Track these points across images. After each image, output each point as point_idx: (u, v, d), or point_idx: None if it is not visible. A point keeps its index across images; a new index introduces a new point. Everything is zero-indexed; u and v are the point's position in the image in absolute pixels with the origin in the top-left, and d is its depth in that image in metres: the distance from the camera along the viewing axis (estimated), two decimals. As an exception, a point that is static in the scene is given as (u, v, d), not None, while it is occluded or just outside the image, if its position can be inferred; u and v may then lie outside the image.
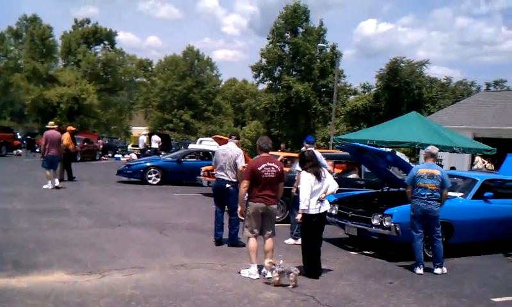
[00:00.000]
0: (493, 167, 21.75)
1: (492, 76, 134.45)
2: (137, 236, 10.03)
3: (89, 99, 51.38)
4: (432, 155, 8.57)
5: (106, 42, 65.45)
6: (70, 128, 21.34)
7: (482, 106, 30.44)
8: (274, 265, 7.11)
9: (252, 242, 7.49)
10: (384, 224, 8.93)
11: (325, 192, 7.72)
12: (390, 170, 10.88)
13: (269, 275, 7.25)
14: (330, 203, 10.15)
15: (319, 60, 55.30)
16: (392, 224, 8.78)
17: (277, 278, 7.01)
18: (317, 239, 7.85)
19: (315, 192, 7.58)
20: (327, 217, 10.16)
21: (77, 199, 14.52)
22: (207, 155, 20.38)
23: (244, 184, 7.53)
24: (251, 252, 7.44)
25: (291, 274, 7.01)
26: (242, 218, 7.75)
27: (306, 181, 7.56)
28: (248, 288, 6.88)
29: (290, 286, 6.96)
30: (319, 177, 7.62)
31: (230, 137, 9.74)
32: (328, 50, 55.33)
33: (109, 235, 9.99)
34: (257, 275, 7.34)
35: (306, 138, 10.81)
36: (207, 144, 33.71)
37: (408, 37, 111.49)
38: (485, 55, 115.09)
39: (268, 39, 55.75)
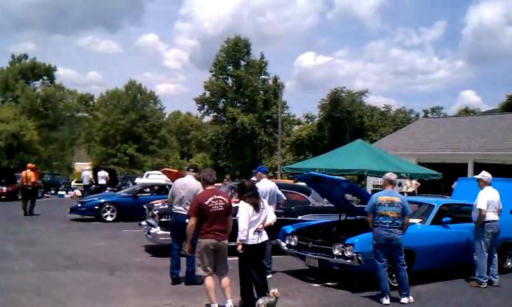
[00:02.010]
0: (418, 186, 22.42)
1: (426, 103, 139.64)
2: (86, 279, 9.41)
3: (28, 135, 49.60)
4: (390, 182, 8.45)
5: (45, 77, 63.97)
6: (31, 165, 22.30)
7: (424, 132, 31.23)
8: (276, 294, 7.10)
9: (209, 281, 7.12)
10: (346, 254, 8.71)
11: (263, 223, 7.52)
12: (346, 198, 10.74)
13: None
14: (288, 234, 10.02)
15: (262, 92, 55.78)
16: (354, 254, 8.57)
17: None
18: (260, 269, 7.62)
19: (252, 222, 7.36)
20: (286, 249, 10.03)
21: (20, 240, 13.69)
22: (164, 189, 19.88)
23: (192, 221, 7.18)
24: (209, 292, 7.07)
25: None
26: (189, 254, 7.48)
27: (244, 211, 7.33)
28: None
29: None
30: (257, 208, 7.43)
31: (188, 170, 9.37)
32: (270, 81, 55.83)
33: (56, 278, 9.34)
34: None
35: (259, 168, 10.58)
36: (154, 177, 33.01)
37: (345, 68, 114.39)
38: (419, 84, 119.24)
39: (211, 72, 55.97)
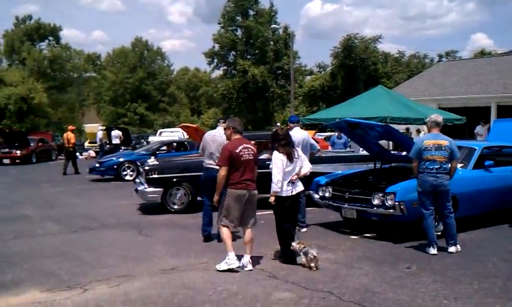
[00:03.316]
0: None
1: (437, 48, 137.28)
2: (114, 239, 9.03)
3: (38, 98, 48.96)
4: (437, 124, 7.85)
5: (51, 38, 63.03)
6: (71, 127, 23.31)
7: (444, 76, 30.33)
8: (301, 245, 6.89)
9: (226, 230, 6.93)
10: (387, 204, 8.21)
11: (297, 174, 7.16)
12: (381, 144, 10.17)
13: (249, 267, 6.81)
14: (322, 185, 9.52)
15: (272, 42, 54.60)
16: (396, 203, 8.06)
17: (303, 259, 6.81)
18: (292, 222, 7.32)
19: (286, 173, 7.02)
20: (320, 200, 9.55)
21: (38, 203, 13.34)
22: (182, 146, 19.43)
23: (223, 171, 6.85)
24: (227, 240, 6.86)
25: (308, 255, 6.75)
26: (217, 205, 7.17)
27: (278, 161, 6.99)
28: (255, 289, 6.02)
29: (312, 269, 6.72)
30: (290, 158, 7.06)
31: (218, 122, 8.80)
32: (281, 31, 54.62)
33: (82, 240, 8.95)
34: (237, 263, 6.78)
35: (289, 117, 10.02)
36: (167, 135, 32.59)
37: (353, 15, 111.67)
38: (429, 29, 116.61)
39: (219, 23, 54.77)
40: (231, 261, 6.75)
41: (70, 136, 21.60)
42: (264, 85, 51.94)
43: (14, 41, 58.68)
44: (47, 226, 10.25)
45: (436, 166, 7.53)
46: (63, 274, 6.77)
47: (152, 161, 12.52)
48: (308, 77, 57.30)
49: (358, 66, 47.94)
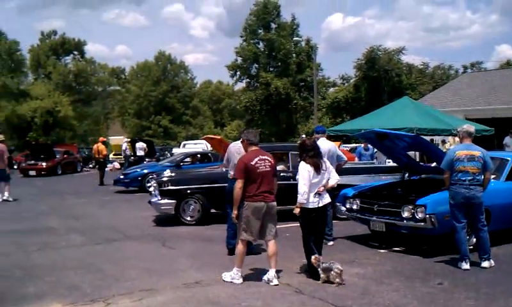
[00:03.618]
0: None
1: (460, 60, 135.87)
2: (137, 251, 8.92)
3: (63, 111, 49.74)
4: (469, 134, 7.59)
5: (76, 52, 64.01)
6: (102, 139, 24.56)
7: (469, 88, 29.84)
8: (319, 261, 6.62)
9: (242, 246, 6.81)
10: (417, 216, 7.95)
11: (324, 186, 6.98)
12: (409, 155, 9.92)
13: (275, 282, 6.61)
14: (349, 198, 9.29)
15: (294, 55, 54.62)
16: (427, 216, 7.80)
17: (323, 275, 6.59)
18: (319, 235, 7.12)
19: (313, 184, 6.84)
20: (347, 213, 9.32)
21: (63, 215, 13.35)
22: (206, 157, 19.39)
23: (239, 184, 6.69)
24: (239, 256, 6.81)
25: (332, 272, 6.50)
26: (236, 221, 6.94)
27: (305, 172, 6.82)
28: (281, 306, 5.83)
29: (335, 285, 6.46)
30: (318, 169, 6.89)
31: (242, 133, 8.62)
32: (303, 43, 54.55)
33: (106, 252, 8.86)
34: (240, 280, 6.72)
35: (316, 128, 9.84)
36: (190, 147, 32.63)
37: (375, 28, 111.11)
38: (452, 41, 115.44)
39: (241, 37, 55.05)
40: (235, 275, 6.73)
41: (100, 147, 22.33)
42: (286, 97, 51.89)
43: (40, 55, 59.70)
44: (71, 238, 10.20)
45: (469, 178, 7.26)
46: (85, 287, 6.66)
47: (167, 173, 12.53)
48: (332, 89, 57.12)
49: (381, 78, 47.65)
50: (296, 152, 12.21)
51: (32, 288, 6.68)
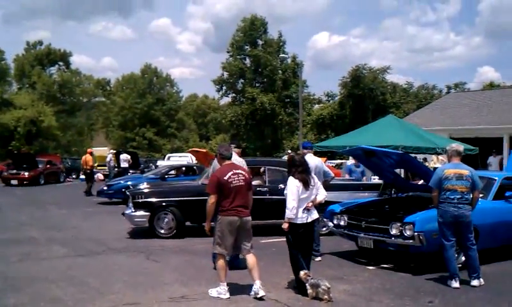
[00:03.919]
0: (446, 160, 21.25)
1: (444, 80, 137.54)
2: (121, 264, 8.74)
3: (47, 121, 49.28)
4: (458, 153, 7.57)
5: (61, 63, 63.62)
6: (90, 150, 24.55)
7: (455, 107, 30.09)
8: (308, 276, 6.51)
9: (221, 261, 6.72)
10: (406, 234, 7.90)
11: (312, 201, 6.95)
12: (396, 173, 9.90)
13: (261, 293, 6.50)
14: (337, 214, 9.24)
15: (280, 71, 54.85)
16: (415, 233, 7.75)
17: (310, 291, 6.48)
18: (306, 251, 7.02)
19: (302, 200, 6.79)
20: (335, 229, 9.26)
21: (45, 226, 13.11)
22: (191, 170, 19.24)
23: (212, 199, 6.64)
24: (220, 270, 6.71)
25: (320, 289, 6.40)
26: (209, 234, 6.93)
27: (293, 187, 6.77)
28: (270, 321, 5.72)
29: (324, 302, 6.35)
30: (306, 185, 6.86)
31: (229, 146, 8.53)
32: (289, 60, 54.80)
33: (89, 265, 8.67)
34: (227, 295, 6.61)
35: (303, 143, 9.80)
36: (175, 160, 32.44)
37: (360, 47, 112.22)
38: (436, 62, 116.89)
39: (228, 52, 55.15)
40: (221, 290, 6.64)
41: (88, 158, 22.33)
42: (272, 112, 52.05)
43: (24, 65, 59.30)
44: (53, 249, 9.99)
45: (458, 196, 7.24)
46: (68, 300, 6.49)
47: (142, 185, 12.53)
48: (317, 106, 57.39)
49: (366, 96, 48.02)
50: (272, 167, 12.29)
51: (12, 300, 6.49)
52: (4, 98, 51.65)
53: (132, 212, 11.37)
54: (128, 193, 12.21)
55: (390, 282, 7.52)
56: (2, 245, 10.28)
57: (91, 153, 23.01)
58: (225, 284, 6.66)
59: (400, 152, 9.48)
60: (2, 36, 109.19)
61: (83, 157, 23.41)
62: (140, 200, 11.40)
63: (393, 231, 8.08)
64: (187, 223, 11.54)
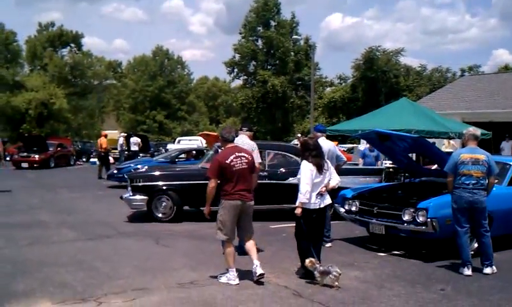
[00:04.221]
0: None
1: (457, 63, 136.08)
2: (130, 248, 8.71)
3: (58, 104, 49.23)
4: (475, 138, 7.40)
5: (73, 45, 63.30)
6: (104, 133, 24.55)
7: (468, 91, 29.69)
8: (314, 264, 6.42)
9: (228, 246, 6.64)
10: (418, 220, 7.77)
11: (326, 186, 6.84)
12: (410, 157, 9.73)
13: (259, 271, 6.50)
14: (349, 199, 9.11)
15: (293, 53, 54.41)
16: (428, 219, 7.61)
17: (319, 278, 6.41)
18: (318, 236, 6.97)
19: (315, 185, 6.70)
20: (346, 214, 9.14)
21: (56, 209, 13.10)
22: (202, 153, 19.16)
23: (212, 183, 6.54)
24: (228, 256, 6.62)
25: (331, 275, 6.31)
26: (208, 218, 6.82)
27: (307, 172, 6.67)
28: (280, 308, 5.64)
29: (334, 288, 6.27)
30: (320, 169, 6.75)
31: (241, 129, 8.41)
32: (302, 42, 54.35)
33: (98, 249, 8.64)
34: (237, 281, 6.52)
35: (316, 126, 9.64)
36: (185, 143, 32.37)
37: (374, 29, 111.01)
38: (450, 44, 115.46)
39: (240, 34, 54.78)
40: (231, 276, 6.55)
41: (102, 141, 22.43)
42: (283, 95, 51.73)
43: (36, 47, 59.09)
44: (63, 233, 9.98)
45: (473, 182, 7.09)
46: (77, 285, 6.45)
47: (142, 168, 12.56)
48: (328, 89, 56.97)
49: (379, 79, 47.51)
50: (273, 151, 12.16)
51: (21, 285, 6.46)
52: (15, 80, 51.78)
53: (131, 195, 11.38)
54: (126, 176, 12.16)
55: (401, 269, 7.41)
56: (12, 228, 10.27)
57: (105, 136, 23.08)
58: (234, 270, 6.58)
59: (416, 136, 9.28)
60: (15, 18, 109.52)
61: (98, 140, 23.67)
62: (138, 184, 11.39)
63: (406, 217, 7.95)
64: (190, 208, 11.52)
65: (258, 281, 6.47)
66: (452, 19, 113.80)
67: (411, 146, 8.98)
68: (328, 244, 8.66)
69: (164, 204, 11.25)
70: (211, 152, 12.12)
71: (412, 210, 7.89)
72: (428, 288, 6.44)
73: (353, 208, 9.00)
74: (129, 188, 11.52)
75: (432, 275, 7.11)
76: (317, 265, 6.47)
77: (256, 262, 6.57)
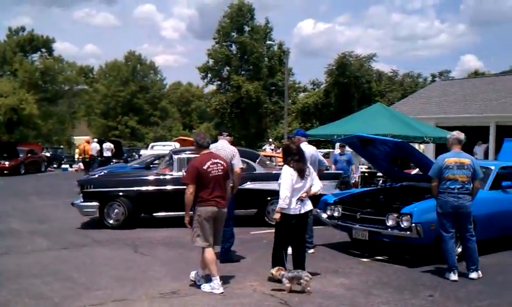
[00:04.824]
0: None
1: (427, 68, 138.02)
2: (108, 257, 8.42)
3: (28, 109, 48.26)
4: (459, 142, 7.36)
5: (43, 50, 62.36)
6: (87, 139, 25.03)
7: (441, 95, 29.99)
8: (282, 271, 6.31)
9: (209, 253, 6.49)
10: (403, 225, 7.70)
11: (307, 192, 6.69)
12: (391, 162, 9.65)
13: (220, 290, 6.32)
14: (330, 204, 9.00)
15: (266, 59, 54.43)
16: (413, 225, 7.54)
17: (288, 285, 6.27)
18: (299, 242, 6.80)
19: (296, 190, 6.56)
20: (328, 220, 9.02)
21: (28, 217, 12.69)
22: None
23: (190, 189, 6.39)
24: (210, 265, 6.47)
25: (302, 280, 6.20)
26: (189, 226, 6.59)
27: (287, 176, 6.53)
28: (267, 318, 5.47)
29: (305, 293, 6.19)
30: (302, 174, 6.63)
31: (221, 134, 8.22)
32: (275, 48, 54.39)
33: (74, 258, 8.33)
34: (221, 289, 6.37)
35: (297, 131, 9.45)
36: (159, 149, 31.93)
37: (345, 35, 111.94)
38: (420, 50, 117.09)
39: (214, 39, 54.52)
40: (215, 286, 6.40)
41: (87, 148, 22.82)
42: (257, 101, 51.61)
43: (6, 52, 57.98)
44: (37, 242, 9.63)
45: (458, 186, 7.04)
46: (53, 296, 6.17)
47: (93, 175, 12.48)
48: (302, 94, 57.05)
49: (351, 84, 47.76)
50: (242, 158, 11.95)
51: (-6, 297, 6.16)
52: (-15, 85, 50.63)
53: (81, 202, 11.20)
54: (77, 182, 11.95)
55: (387, 275, 7.32)
56: (-17, 237, 9.89)
57: (88, 142, 23.35)
58: (218, 278, 6.41)
59: (399, 140, 9.23)
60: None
61: (81, 146, 23.94)
62: (88, 190, 11.20)
63: (390, 223, 7.87)
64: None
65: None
66: (422, 25, 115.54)
67: (393, 150, 8.90)
68: (311, 250, 8.52)
69: (116, 210, 11.07)
70: (167, 158, 12.00)
71: (396, 215, 7.82)
72: (416, 295, 6.35)
73: (335, 214, 8.88)
74: (80, 194, 11.31)
75: (418, 280, 7.02)
76: (285, 272, 6.36)
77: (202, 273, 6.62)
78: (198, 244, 6.51)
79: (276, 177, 10.46)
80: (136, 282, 6.82)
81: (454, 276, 7.02)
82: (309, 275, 6.30)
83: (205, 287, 6.43)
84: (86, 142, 23.13)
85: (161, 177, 11.23)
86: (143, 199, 11.00)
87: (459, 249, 7.72)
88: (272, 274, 6.46)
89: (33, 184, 22.42)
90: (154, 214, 11.35)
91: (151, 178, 11.37)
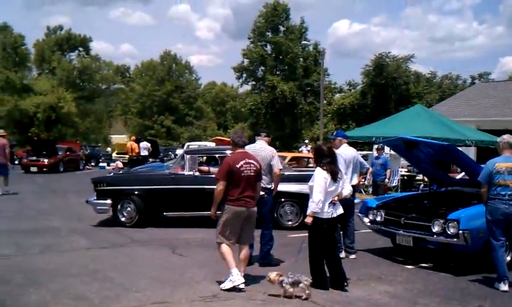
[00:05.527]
0: None
1: (464, 70, 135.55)
2: (146, 258, 8.37)
3: (66, 107, 49.10)
4: (511, 146, 7.03)
5: (81, 49, 63.41)
6: (134, 138, 25.76)
7: (482, 98, 29.25)
8: (281, 276, 6.19)
9: (225, 247, 6.50)
10: (449, 232, 7.40)
11: (338, 195, 6.53)
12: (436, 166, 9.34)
13: (242, 286, 6.32)
14: (373, 208, 8.76)
15: (302, 59, 54.13)
16: (460, 231, 7.25)
17: (291, 289, 6.09)
18: (331, 247, 6.62)
19: (329, 193, 6.39)
20: (370, 225, 8.79)
21: (66, 215, 12.79)
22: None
23: (221, 185, 6.36)
24: (227, 256, 6.46)
25: (301, 284, 6.04)
26: (214, 218, 6.71)
27: (321, 179, 6.35)
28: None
29: (303, 297, 6.03)
30: (335, 177, 6.44)
31: (259, 135, 8.09)
32: (311, 48, 54.05)
33: (113, 258, 8.30)
34: (242, 280, 6.38)
35: (337, 133, 9.25)
36: (194, 148, 32.03)
37: (381, 35, 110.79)
38: (456, 51, 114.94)
39: (249, 39, 54.54)
40: (235, 278, 6.33)
41: (134, 146, 23.09)
42: (292, 101, 51.39)
43: (44, 50, 59.19)
44: (75, 241, 9.66)
45: (509, 192, 6.72)
46: (92, 297, 6.11)
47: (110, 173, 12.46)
48: (338, 95, 56.52)
49: (389, 85, 47.06)
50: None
51: (34, 296, 6.13)
52: (23, 83, 51.65)
53: (95, 199, 11.32)
54: (91, 180, 12.09)
55: (433, 283, 7.04)
56: (22, 235, 9.95)
57: (134, 140, 23.74)
58: (236, 269, 6.38)
59: (446, 143, 8.91)
60: (23, 21, 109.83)
61: (128, 144, 24.19)
62: (101, 188, 11.33)
63: (436, 229, 7.59)
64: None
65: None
66: (459, 26, 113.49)
67: (438, 153, 8.60)
68: (353, 255, 8.32)
69: (128, 209, 11.12)
70: (179, 158, 12.08)
71: (442, 221, 7.53)
72: (465, 305, 6.09)
73: (378, 219, 8.63)
74: (94, 192, 11.48)
75: (466, 290, 6.74)
76: (284, 277, 6.16)
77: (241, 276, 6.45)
78: (218, 240, 6.51)
79: (288, 178, 10.38)
80: (175, 284, 6.72)
81: (504, 286, 6.70)
82: (308, 279, 6.14)
83: (226, 285, 6.37)
84: (132, 141, 23.35)
85: (173, 176, 11.22)
86: (154, 198, 11.03)
87: (509, 258, 7.41)
88: (270, 278, 6.26)
89: (72, 182, 22.72)
90: (165, 213, 11.52)
91: (164, 177, 11.41)
